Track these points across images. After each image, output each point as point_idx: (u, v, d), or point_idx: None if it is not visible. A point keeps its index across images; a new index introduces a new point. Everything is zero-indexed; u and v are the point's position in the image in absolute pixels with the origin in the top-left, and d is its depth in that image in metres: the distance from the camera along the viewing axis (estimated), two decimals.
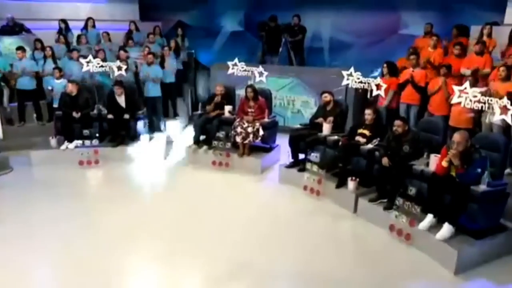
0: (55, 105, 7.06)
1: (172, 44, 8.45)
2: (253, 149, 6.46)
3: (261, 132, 6.27)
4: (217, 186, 5.89)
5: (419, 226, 4.32)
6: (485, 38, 6.54)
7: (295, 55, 8.76)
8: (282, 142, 6.67)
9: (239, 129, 6.27)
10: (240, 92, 7.30)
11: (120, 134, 6.77)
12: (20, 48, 7.43)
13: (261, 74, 6.89)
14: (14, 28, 8.60)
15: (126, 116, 6.65)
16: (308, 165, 5.73)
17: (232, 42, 10.49)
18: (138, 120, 6.93)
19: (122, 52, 7.75)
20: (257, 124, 6.28)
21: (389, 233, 4.65)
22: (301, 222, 4.97)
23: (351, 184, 5.19)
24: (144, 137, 6.82)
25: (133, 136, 6.80)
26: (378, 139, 5.24)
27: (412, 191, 4.55)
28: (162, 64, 7.78)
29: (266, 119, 6.40)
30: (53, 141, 6.65)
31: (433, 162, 4.43)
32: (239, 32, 10.57)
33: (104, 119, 6.80)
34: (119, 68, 7.16)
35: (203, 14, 10.68)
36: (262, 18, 9.37)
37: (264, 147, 6.57)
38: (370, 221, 4.93)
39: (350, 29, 9.78)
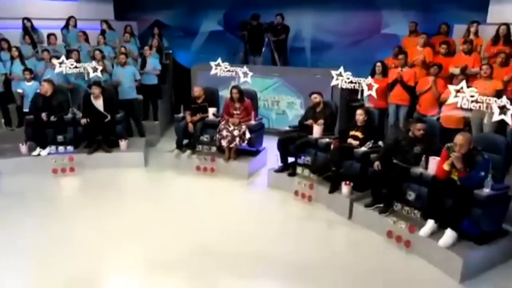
0: (26, 109, 6.65)
1: (155, 43, 8.15)
2: (239, 153, 6.22)
3: (247, 135, 6.03)
4: (202, 193, 5.64)
5: (420, 233, 4.13)
6: (472, 36, 6.41)
7: (278, 55, 8.52)
8: (268, 144, 6.52)
9: (224, 132, 6.01)
10: (223, 94, 7.02)
11: (96, 139, 6.42)
12: None
13: (245, 74, 6.62)
14: None
15: (108, 118, 6.30)
16: (298, 169, 5.50)
17: (211, 42, 10.12)
18: (116, 124, 6.57)
19: (97, 52, 7.28)
20: (243, 126, 6.04)
21: (387, 240, 4.45)
22: (293, 229, 4.73)
23: (345, 188, 4.96)
24: (123, 142, 6.50)
25: (111, 141, 6.46)
26: (372, 141, 5.00)
27: (411, 195, 4.35)
28: (143, 65, 7.49)
29: (252, 121, 6.17)
30: (23, 148, 6.25)
31: (433, 165, 4.22)
32: (218, 32, 10.18)
33: (79, 123, 6.43)
34: (95, 69, 6.78)
35: (181, 14, 10.30)
36: (242, 17, 9.09)
37: (250, 150, 6.33)
38: (366, 227, 4.72)
39: (332, 29, 9.51)
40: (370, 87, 5.59)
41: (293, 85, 8.01)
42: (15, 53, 7.10)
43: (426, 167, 4.33)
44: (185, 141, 6.38)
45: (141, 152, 6.51)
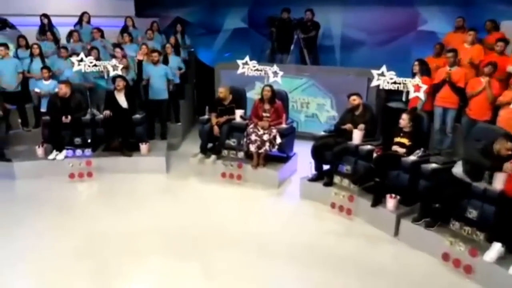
0: (43, 109, 6.39)
1: (172, 40, 7.76)
2: (269, 159, 5.79)
3: (278, 140, 5.60)
4: (228, 202, 5.23)
5: (484, 257, 3.59)
6: None
7: (308, 53, 8.10)
8: (297, 150, 6.14)
9: (253, 137, 5.57)
10: (249, 95, 6.70)
11: (117, 141, 6.12)
12: (2, 44, 6.75)
13: (275, 74, 6.20)
14: None
15: (134, 116, 6.05)
16: (336, 179, 4.98)
17: (235, 40, 9.73)
18: (137, 125, 6.21)
19: (118, 49, 6.94)
20: (274, 130, 5.61)
21: (442, 263, 3.90)
22: (329, 247, 4.26)
23: (390, 202, 4.41)
24: (143, 145, 6.16)
25: (131, 144, 6.14)
26: (422, 149, 4.43)
27: (472, 213, 3.77)
28: (165, 64, 7.15)
29: (283, 125, 5.73)
30: (39, 151, 5.97)
31: (500, 179, 3.62)
32: (242, 30, 9.77)
33: (98, 124, 6.12)
34: (115, 68, 6.40)
35: (203, 10, 9.97)
36: (267, 14, 8.70)
37: (280, 156, 5.90)
38: (416, 247, 4.18)
39: (363, 26, 8.94)
40: (417, 88, 4.99)
41: (324, 86, 7.56)
42: (36, 50, 6.87)
43: (490, 181, 3.73)
44: (210, 145, 6.02)
45: (163, 157, 6.16)
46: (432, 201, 4.15)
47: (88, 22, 8.13)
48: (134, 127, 6.12)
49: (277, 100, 5.75)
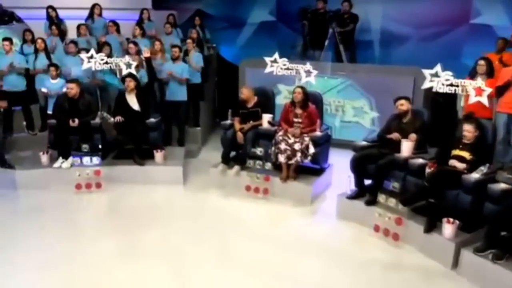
0: (50, 111, 6.28)
1: (193, 35, 7.58)
2: (300, 171, 5.47)
3: (311, 150, 5.27)
4: (253, 220, 4.96)
5: None
6: None
7: (344, 49, 7.78)
8: (332, 160, 5.86)
9: (283, 146, 5.28)
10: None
11: (128, 147, 5.92)
12: (7, 39, 6.65)
13: (308, 73, 5.91)
14: (2, 16, 7.88)
15: (148, 120, 5.89)
16: (380, 198, 4.57)
17: (261, 34, 9.46)
18: (151, 130, 6.00)
19: (131, 45, 6.72)
20: (307, 139, 5.30)
21: None
22: (373, 280, 3.85)
23: (448, 228, 3.98)
24: (158, 153, 5.94)
25: (145, 151, 5.94)
26: (488, 165, 3.96)
27: None
28: (185, 61, 7.03)
29: (317, 132, 5.42)
30: (44, 158, 5.82)
31: None
32: (270, 23, 9.51)
33: (108, 129, 5.98)
34: (128, 65, 6.19)
35: (226, 2, 9.85)
36: (298, 5, 8.43)
37: (313, 168, 5.57)
38: (480, 283, 3.70)
39: (405, 19, 8.50)
40: (479, 91, 4.49)
41: (362, 87, 7.22)
42: (41, 45, 6.77)
43: None
44: (233, 154, 5.81)
45: (180, 167, 5.92)
46: (501, 228, 3.68)
47: (100, 14, 8.00)
48: (147, 132, 5.93)
49: (310, 103, 5.45)
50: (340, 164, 5.51)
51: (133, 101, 5.89)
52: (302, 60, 6.81)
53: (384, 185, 4.62)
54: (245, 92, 5.75)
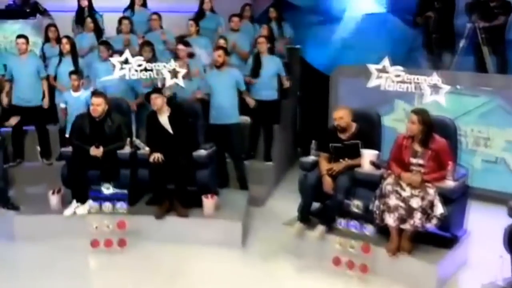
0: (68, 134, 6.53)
1: (264, 32, 7.69)
2: (419, 240, 5.02)
3: (438, 209, 4.73)
4: None
5: None
6: None
7: (490, 52, 7.43)
8: (471, 225, 5.43)
9: (393, 200, 4.82)
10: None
11: (169, 191, 5.81)
12: (22, 36, 6.96)
13: (435, 88, 5.51)
14: (23, 8, 8.22)
15: (196, 152, 5.85)
16: None
17: (365, 32, 9.30)
18: (199, 167, 5.88)
19: (181, 46, 6.90)
20: (431, 191, 4.79)
21: None
22: None
23: None
24: (208, 199, 5.79)
25: (189, 196, 5.83)
26: None
27: None
28: (257, 68, 7.12)
29: (449, 181, 4.93)
30: (54, 199, 5.80)
31: None
32: (378, 16, 9.40)
33: (141, 163, 5.88)
34: (174, 74, 6.12)
35: None
36: None
37: (441, 236, 5.10)
38: None
39: None
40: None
41: None
42: (65, 46, 6.96)
43: None
44: (316, 207, 5.61)
45: (238, 222, 5.74)
46: None
47: (144, 5, 8.25)
48: (194, 170, 5.84)
49: (437, 136, 5.01)
50: (483, 231, 5.25)
51: (164, 121, 5.92)
52: (425, 69, 6.75)
53: None
54: (338, 116, 5.42)
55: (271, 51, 7.41)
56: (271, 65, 7.11)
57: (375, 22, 9.31)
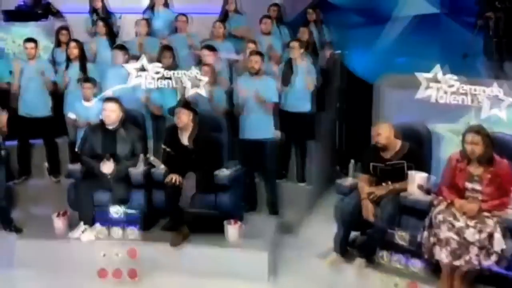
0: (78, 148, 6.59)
1: (304, 35, 7.68)
2: (478, 280, 4.83)
3: (500, 244, 4.54)
4: None
5: None
6: None
7: None
8: None
9: (444, 231, 4.68)
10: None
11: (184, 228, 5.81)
12: (30, 40, 7.08)
13: (497, 100, 5.38)
14: (34, 9, 8.41)
15: (218, 173, 5.79)
16: None
17: (416, 35, 9.19)
18: (221, 189, 5.83)
19: (205, 51, 6.93)
20: (491, 222, 4.63)
21: None
22: None
23: None
24: (232, 225, 5.76)
25: (211, 222, 5.83)
26: None
27: None
28: (288, 74, 7.11)
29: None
30: (58, 223, 5.83)
31: None
32: (430, 17, 9.23)
33: (156, 184, 5.84)
34: (195, 83, 6.08)
35: None
36: None
37: (504, 276, 4.82)
38: None
39: None
40: None
41: None
42: (73, 51, 7.04)
43: None
44: (355, 236, 5.58)
45: (264, 252, 5.64)
46: None
47: (166, 4, 8.29)
48: (215, 192, 5.82)
49: (497, 157, 4.86)
50: None
51: (185, 142, 5.90)
52: (484, 79, 6.55)
53: None
54: (376, 131, 5.36)
55: (313, 56, 7.40)
56: (305, 73, 7.07)
57: (427, 24, 9.17)
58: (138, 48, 7.33)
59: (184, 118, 5.78)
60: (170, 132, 6.03)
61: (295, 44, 7.14)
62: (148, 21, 7.89)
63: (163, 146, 5.99)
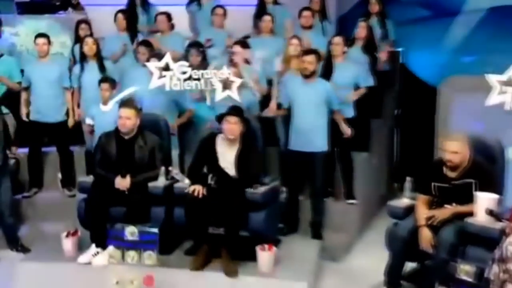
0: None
1: (362, 32, 7.54)
2: None
3: None
4: None
5: None
6: None
7: None
8: None
9: None
10: None
11: (211, 238, 5.70)
12: (42, 35, 7.13)
13: None
14: (52, 1, 8.62)
15: (250, 191, 5.67)
16: None
17: (493, 30, 9.01)
18: (255, 209, 5.69)
19: (238, 48, 6.83)
20: None
21: None
22: None
23: None
24: (266, 252, 5.56)
25: (239, 244, 5.67)
26: None
27: None
28: (326, 76, 6.94)
29: None
30: (67, 243, 5.77)
31: None
32: (508, 9, 9.00)
33: (178, 201, 5.75)
34: (226, 85, 6.08)
35: None
36: None
37: None
38: None
39: None
40: None
41: None
42: (91, 47, 7.06)
43: None
44: (410, 268, 5.48)
45: (304, 282, 5.47)
46: None
47: None
48: (246, 212, 5.66)
49: None
50: None
51: (227, 159, 5.75)
52: None
53: None
54: (452, 149, 5.14)
55: (371, 55, 7.43)
56: (346, 73, 6.93)
57: (503, 19, 8.96)
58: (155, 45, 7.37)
59: (236, 129, 5.64)
60: (206, 142, 5.88)
61: (338, 40, 6.99)
62: (169, 16, 7.92)
63: (209, 176, 5.81)
